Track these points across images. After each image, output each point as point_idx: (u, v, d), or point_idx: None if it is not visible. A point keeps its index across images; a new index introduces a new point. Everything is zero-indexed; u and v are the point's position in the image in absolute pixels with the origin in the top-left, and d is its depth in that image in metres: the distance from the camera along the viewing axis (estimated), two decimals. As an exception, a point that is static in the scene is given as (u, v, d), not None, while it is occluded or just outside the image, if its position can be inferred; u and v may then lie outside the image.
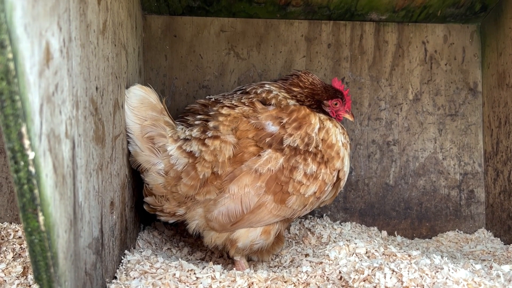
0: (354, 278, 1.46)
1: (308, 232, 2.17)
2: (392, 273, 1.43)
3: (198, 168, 1.71)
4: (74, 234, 1.08)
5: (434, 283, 1.33)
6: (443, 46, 2.44)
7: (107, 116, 1.44)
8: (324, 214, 2.41)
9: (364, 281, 1.45)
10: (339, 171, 1.87)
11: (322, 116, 1.87)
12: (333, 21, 2.39)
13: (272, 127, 1.77)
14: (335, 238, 2.11)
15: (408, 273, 1.40)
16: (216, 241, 1.82)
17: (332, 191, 1.93)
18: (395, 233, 2.40)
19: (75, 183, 1.09)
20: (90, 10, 1.24)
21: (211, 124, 1.76)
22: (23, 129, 0.80)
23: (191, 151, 1.73)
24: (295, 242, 2.14)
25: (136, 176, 1.88)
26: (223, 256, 2.07)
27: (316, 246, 2.07)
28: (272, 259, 2.01)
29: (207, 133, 1.75)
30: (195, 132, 1.77)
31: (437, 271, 1.39)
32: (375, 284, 1.41)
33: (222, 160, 1.72)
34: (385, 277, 1.42)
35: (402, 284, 1.38)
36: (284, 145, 1.76)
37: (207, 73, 2.35)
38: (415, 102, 2.43)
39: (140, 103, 1.70)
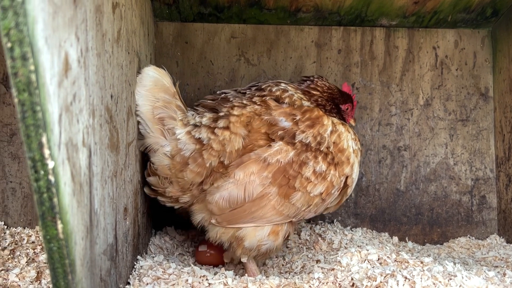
0: (366, 285, 1.45)
1: (319, 238, 2.17)
2: (405, 280, 1.43)
3: (204, 156, 1.71)
4: (90, 241, 1.10)
5: (447, 290, 1.33)
6: (454, 51, 2.43)
7: (121, 123, 1.45)
8: (335, 220, 2.40)
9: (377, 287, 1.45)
10: (347, 177, 1.86)
11: (335, 120, 1.87)
12: (343, 26, 2.40)
13: (285, 123, 1.77)
14: (346, 244, 2.10)
15: (421, 281, 1.40)
16: (221, 237, 1.79)
17: (337, 198, 1.91)
18: (406, 239, 2.39)
19: (91, 191, 1.10)
20: (106, 20, 1.26)
21: (221, 124, 1.76)
22: (43, 139, 0.81)
23: (199, 138, 1.73)
24: (306, 248, 2.14)
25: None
26: (233, 262, 2.08)
27: (327, 252, 2.07)
28: (283, 265, 2.01)
29: (218, 122, 1.75)
30: (206, 120, 1.76)
31: (451, 279, 1.39)
32: (388, 291, 1.41)
33: (230, 151, 1.72)
34: (397, 284, 1.42)
35: (415, 291, 1.37)
36: (296, 140, 1.75)
37: (218, 79, 2.37)
38: (426, 107, 2.43)
39: (154, 85, 1.70)
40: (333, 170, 1.79)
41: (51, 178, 0.85)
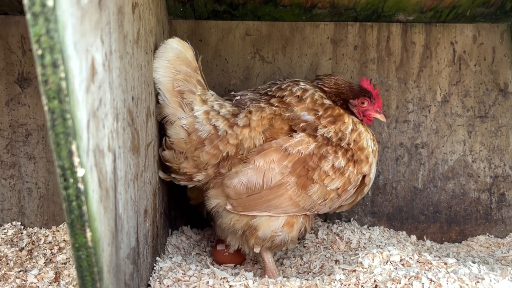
0: (390, 287, 1.43)
1: (337, 237, 2.15)
2: (430, 282, 1.41)
3: (220, 146, 1.71)
4: (115, 246, 1.08)
5: (475, 294, 1.30)
6: (472, 46, 2.39)
7: (141, 124, 1.44)
8: (352, 218, 2.38)
9: (401, 290, 1.42)
10: (364, 176, 1.85)
11: (355, 119, 1.87)
12: (359, 22, 2.36)
13: (307, 116, 1.78)
14: (365, 243, 2.08)
15: (447, 283, 1.38)
16: (235, 224, 1.77)
17: (353, 196, 1.89)
18: (424, 237, 2.36)
19: (116, 195, 1.09)
20: (126, 21, 1.24)
21: (241, 122, 1.74)
22: (73, 147, 0.80)
23: (215, 125, 1.72)
24: (324, 248, 2.12)
25: (164, 182, 1.89)
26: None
27: (345, 251, 2.05)
28: (301, 265, 2.00)
29: (237, 118, 1.74)
30: (224, 111, 1.75)
31: (478, 281, 1.36)
32: (413, 294, 1.39)
33: (248, 146, 1.73)
34: (423, 287, 1.40)
35: (441, 294, 1.35)
36: (318, 134, 1.76)
37: (233, 77, 2.34)
38: (443, 104, 2.39)
39: (176, 57, 1.68)
40: (351, 167, 1.79)
41: (81, 186, 0.83)
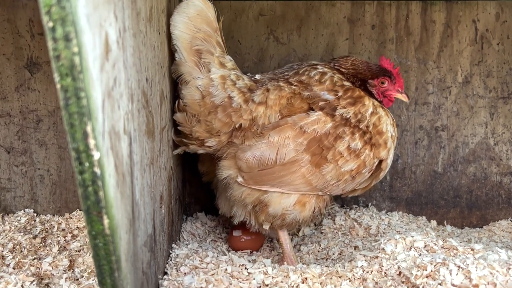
0: (416, 275, 1.38)
1: (355, 223, 2.10)
2: (458, 269, 1.35)
3: (233, 117, 1.67)
4: (133, 234, 1.04)
5: (507, 281, 1.25)
6: (495, 24, 2.29)
7: (155, 108, 1.38)
8: (370, 204, 2.32)
9: (427, 277, 1.37)
10: (381, 161, 1.79)
11: (376, 103, 1.80)
12: (377, 1, 2.27)
13: (327, 95, 1.73)
14: (384, 229, 2.03)
15: (477, 270, 1.32)
16: (246, 199, 1.73)
17: (367, 180, 1.84)
18: (444, 222, 2.30)
19: (132, 181, 1.04)
20: (139, -3, 1.17)
21: (257, 99, 1.69)
22: (88, 128, 0.75)
23: (230, 96, 1.67)
24: (342, 234, 2.07)
25: (179, 168, 1.84)
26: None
27: (364, 237, 2.00)
28: (318, 251, 1.95)
29: (253, 94, 1.69)
30: (240, 83, 1.70)
31: (510, 268, 1.30)
32: (440, 281, 1.33)
33: (263, 123, 1.69)
34: (450, 274, 1.34)
35: (470, 281, 1.30)
36: (337, 113, 1.71)
37: (246, 59, 2.27)
38: (464, 85, 2.30)
39: (197, 14, 1.63)
40: (368, 150, 1.73)
41: (97, 170, 0.78)
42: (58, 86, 0.71)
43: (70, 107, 0.72)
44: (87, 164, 0.77)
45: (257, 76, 1.82)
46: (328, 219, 2.17)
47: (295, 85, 1.75)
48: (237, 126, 1.68)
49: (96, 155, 0.77)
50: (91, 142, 0.75)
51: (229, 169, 1.71)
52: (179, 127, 1.73)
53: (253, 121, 1.68)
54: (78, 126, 0.74)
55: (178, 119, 1.71)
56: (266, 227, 1.78)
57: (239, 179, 1.69)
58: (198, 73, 1.65)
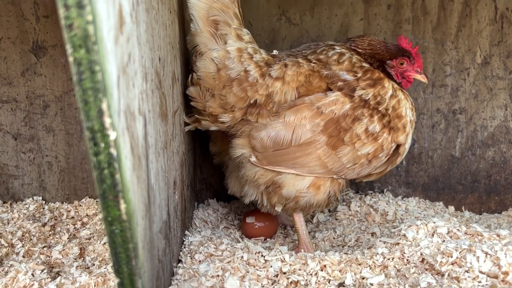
0: (441, 262, 1.32)
1: (371, 209, 2.04)
2: (486, 256, 1.29)
3: (248, 92, 1.61)
4: (149, 220, 0.99)
5: (539, 268, 1.19)
6: (516, 2, 2.20)
7: (168, 89, 1.32)
8: (385, 189, 2.26)
9: (452, 264, 1.32)
10: (399, 145, 1.73)
11: (395, 85, 1.73)
12: (393, -21, 2.18)
13: (346, 76, 1.66)
14: (402, 215, 1.97)
15: (506, 257, 1.26)
16: (259, 179, 1.68)
17: (384, 165, 1.78)
18: (462, 208, 2.24)
19: (148, 164, 0.98)
20: (151, -30, 1.11)
21: (274, 73, 1.63)
22: (104, 106, 0.69)
23: (246, 70, 1.61)
24: (357, 220, 2.01)
25: (190, 153, 1.79)
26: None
27: (381, 224, 1.94)
28: (334, 238, 1.90)
29: (270, 69, 1.63)
30: (258, 57, 1.63)
31: (540, 255, 1.24)
32: (467, 268, 1.28)
33: (279, 100, 1.62)
34: (478, 261, 1.29)
35: (500, 268, 1.24)
36: (355, 94, 1.65)
37: (257, 41, 2.18)
38: (483, 66, 2.22)
39: None
40: (386, 133, 1.67)
41: (113, 151, 0.73)
42: (71, 59, 0.65)
43: (84, 82, 0.66)
44: (102, 144, 0.71)
45: (275, 52, 1.76)
46: (343, 205, 2.11)
47: (314, 63, 1.69)
48: (252, 101, 1.62)
49: (112, 135, 0.71)
50: (107, 120, 0.70)
51: (243, 148, 1.66)
52: (191, 103, 1.66)
53: (269, 97, 1.62)
54: (92, 103, 0.68)
55: (191, 94, 1.64)
56: (279, 209, 1.73)
57: (253, 159, 1.64)
58: (214, 45, 1.58)
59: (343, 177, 1.73)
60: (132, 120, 0.84)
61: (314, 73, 1.66)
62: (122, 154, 0.76)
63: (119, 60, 0.76)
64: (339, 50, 1.72)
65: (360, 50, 1.78)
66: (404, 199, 2.22)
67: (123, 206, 0.78)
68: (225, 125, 1.67)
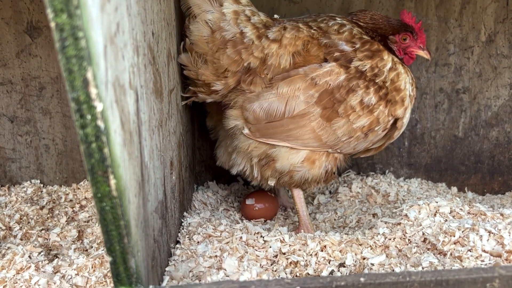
0: (443, 241, 1.30)
1: (372, 190, 2.01)
2: (489, 235, 1.27)
3: (242, 55, 1.56)
4: (143, 198, 0.96)
5: (544, 246, 1.16)
6: (522, -22, 2.14)
7: (162, 67, 1.28)
8: (387, 171, 2.23)
9: (455, 243, 1.29)
10: (397, 119, 1.69)
11: (396, 59, 1.69)
12: (395, -45, 2.12)
13: (344, 46, 1.62)
14: (404, 196, 1.94)
15: (510, 235, 1.23)
16: (252, 152, 1.65)
17: (382, 140, 1.74)
18: (465, 189, 2.21)
19: (141, 141, 0.95)
20: None
21: (272, 35, 1.58)
22: (89, 75, 0.65)
23: (242, 32, 1.56)
24: (359, 201, 1.99)
25: (188, 133, 1.76)
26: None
27: (383, 205, 1.92)
28: (335, 219, 1.88)
29: (268, 31, 1.58)
30: (255, 19, 1.59)
31: (545, 233, 1.22)
32: (469, 247, 1.25)
33: (273, 64, 1.58)
34: (481, 239, 1.26)
35: (503, 247, 1.21)
36: (352, 65, 1.60)
37: (257, 20, 2.15)
38: (488, 44, 2.17)
39: None
40: (382, 106, 1.63)
41: (100, 124, 0.69)
42: (53, 24, 0.61)
43: (67, 50, 0.63)
44: (89, 116, 0.68)
45: (276, 16, 1.71)
46: (344, 186, 2.09)
47: (314, 30, 1.64)
48: (245, 64, 1.57)
49: (99, 107, 0.68)
50: (93, 91, 0.66)
51: (236, 119, 1.62)
52: (184, 71, 1.62)
53: (263, 62, 1.57)
54: (77, 72, 0.65)
55: (182, 61, 1.60)
56: (272, 183, 1.70)
57: (245, 131, 1.61)
58: (209, 6, 1.53)
59: (339, 151, 1.69)
60: (122, 94, 0.81)
61: (313, 40, 1.61)
62: (111, 128, 0.73)
63: (105, 29, 0.72)
64: (340, 21, 1.68)
65: (362, 24, 1.74)
66: (406, 180, 2.19)
67: (113, 182, 0.75)
68: (219, 94, 1.63)
